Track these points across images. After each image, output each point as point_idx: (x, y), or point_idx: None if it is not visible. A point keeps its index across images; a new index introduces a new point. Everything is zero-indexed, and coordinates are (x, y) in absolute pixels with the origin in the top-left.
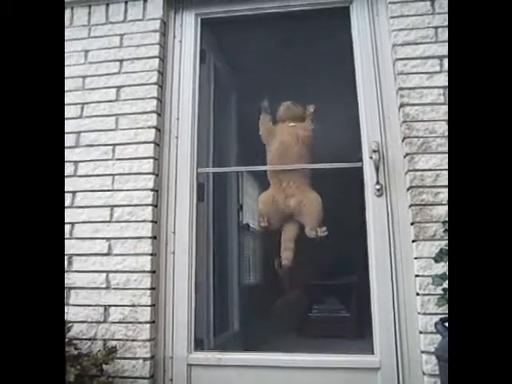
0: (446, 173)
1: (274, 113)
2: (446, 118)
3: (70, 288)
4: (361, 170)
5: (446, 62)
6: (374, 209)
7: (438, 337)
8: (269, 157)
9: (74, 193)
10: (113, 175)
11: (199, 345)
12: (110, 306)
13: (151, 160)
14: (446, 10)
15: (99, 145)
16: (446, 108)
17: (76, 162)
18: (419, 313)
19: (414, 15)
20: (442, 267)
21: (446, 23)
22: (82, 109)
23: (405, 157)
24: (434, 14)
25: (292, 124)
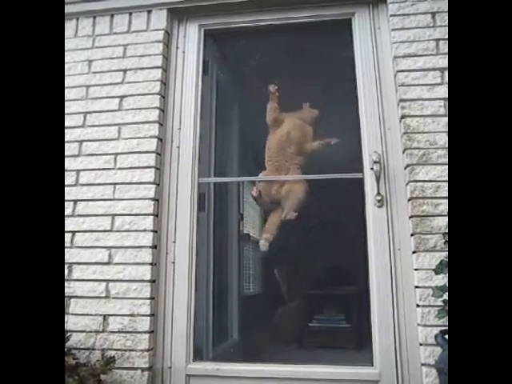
0: (447, 184)
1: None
2: (447, 129)
3: (70, 297)
4: (361, 180)
5: (446, 74)
6: (374, 219)
7: (439, 349)
8: (269, 142)
9: (75, 201)
10: (114, 184)
11: (198, 355)
12: (109, 315)
13: (152, 169)
14: (447, 22)
15: (101, 154)
16: (446, 120)
17: (78, 171)
18: (419, 324)
19: (415, 28)
20: (443, 279)
21: (447, 36)
22: (85, 118)
23: (405, 168)
24: (435, 27)
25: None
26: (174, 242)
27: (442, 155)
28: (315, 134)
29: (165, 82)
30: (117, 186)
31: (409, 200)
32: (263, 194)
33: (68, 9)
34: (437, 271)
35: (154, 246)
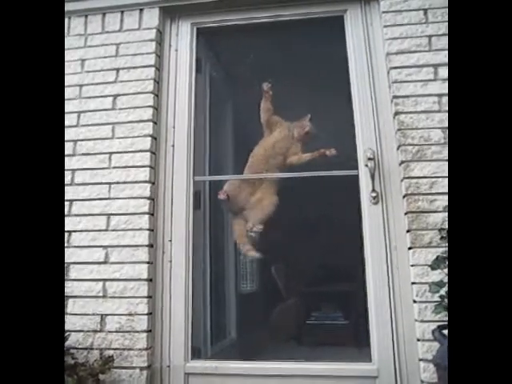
0: (442, 180)
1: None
2: (441, 125)
3: (68, 297)
4: (356, 177)
5: (440, 70)
6: (369, 216)
7: (436, 344)
8: (255, 149)
9: (71, 201)
10: (109, 184)
11: (196, 353)
12: (107, 314)
13: (147, 168)
14: (439, 19)
15: (96, 153)
16: (440, 116)
17: (73, 171)
18: (416, 320)
19: (407, 24)
20: (439, 274)
21: (440, 32)
22: (79, 117)
23: (400, 164)
24: (427, 23)
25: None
26: (170, 240)
27: (437, 151)
28: (306, 146)
29: (158, 81)
30: (112, 185)
31: (404, 196)
32: (232, 197)
33: None
34: (433, 267)
35: (151, 245)
